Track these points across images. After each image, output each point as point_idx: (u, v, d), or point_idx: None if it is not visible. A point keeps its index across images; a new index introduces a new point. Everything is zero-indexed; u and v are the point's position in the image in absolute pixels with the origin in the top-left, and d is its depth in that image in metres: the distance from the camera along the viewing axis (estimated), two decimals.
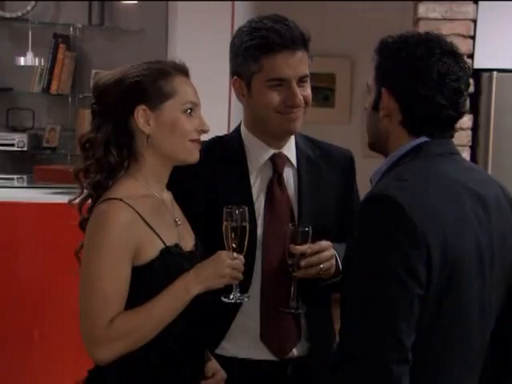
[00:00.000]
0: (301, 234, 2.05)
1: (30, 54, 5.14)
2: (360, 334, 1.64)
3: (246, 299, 1.99)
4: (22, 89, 5.48)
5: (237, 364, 2.14)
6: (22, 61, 5.14)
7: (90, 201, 1.96)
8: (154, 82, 1.92)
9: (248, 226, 1.95)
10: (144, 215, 1.88)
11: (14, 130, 5.38)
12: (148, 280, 1.87)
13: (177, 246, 1.93)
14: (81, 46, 5.56)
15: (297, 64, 2.07)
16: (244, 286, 2.09)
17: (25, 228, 3.78)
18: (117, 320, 1.83)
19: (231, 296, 1.97)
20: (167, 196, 2.03)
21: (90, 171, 1.94)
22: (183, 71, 1.98)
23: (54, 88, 5.51)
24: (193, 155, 1.96)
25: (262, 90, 2.08)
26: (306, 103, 2.11)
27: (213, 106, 4.22)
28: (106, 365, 1.87)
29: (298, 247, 2.04)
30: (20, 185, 4.82)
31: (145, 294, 1.87)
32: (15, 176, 4.92)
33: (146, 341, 1.86)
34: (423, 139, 1.79)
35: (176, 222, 2.00)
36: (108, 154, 1.92)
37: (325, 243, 2.06)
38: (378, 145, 1.88)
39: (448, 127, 1.81)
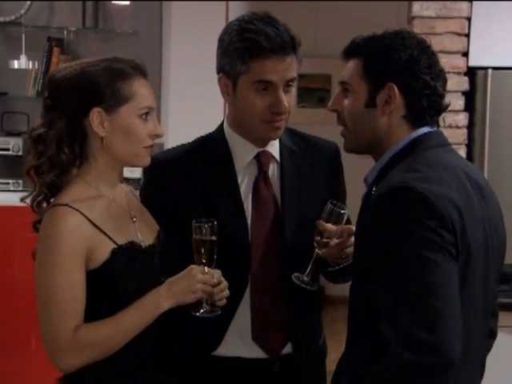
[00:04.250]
0: (336, 215, 2.04)
1: (23, 58, 5.11)
2: (413, 327, 1.60)
3: (216, 313, 1.97)
4: (16, 93, 5.45)
5: (227, 363, 2.14)
6: (15, 64, 5.12)
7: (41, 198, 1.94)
8: (112, 84, 1.89)
9: (217, 239, 1.94)
10: (92, 218, 1.87)
11: (9, 134, 5.35)
12: (104, 281, 1.86)
13: (132, 243, 1.91)
14: (75, 50, 5.54)
15: (285, 69, 2.06)
16: (242, 288, 2.09)
17: (21, 232, 3.77)
18: (83, 330, 1.82)
19: (201, 310, 1.95)
20: (121, 193, 2.01)
21: (41, 168, 1.91)
22: (142, 72, 1.95)
23: None
24: (144, 160, 1.96)
25: (248, 92, 2.07)
26: (289, 109, 2.10)
27: (207, 107, 4.24)
28: (70, 373, 1.86)
29: (331, 226, 2.03)
30: (15, 189, 4.82)
31: (104, 296, 1.86)
32: (11, 180, 4.92)
33: (112, 352, 1.85)
34: (422, 130, 1.82)
35: (132, 218, 1.98)
36: (60, 152, 1.89)
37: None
38: (367, 144, 1.87)
39: (438, 117, 1.86)
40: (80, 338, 1.82)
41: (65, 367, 1.85)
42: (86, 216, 1.86)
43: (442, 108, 1.85)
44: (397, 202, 1.67)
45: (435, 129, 1.85)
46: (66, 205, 1.86)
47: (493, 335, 1.95)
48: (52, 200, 1.93)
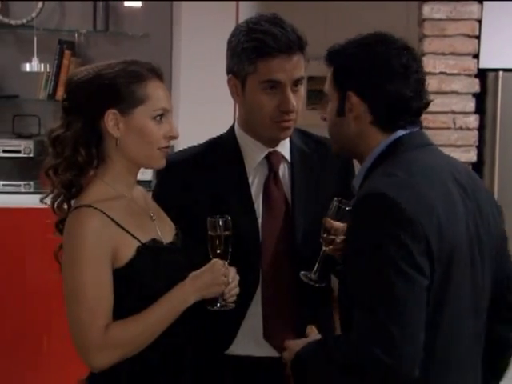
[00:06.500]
0: (342, 212, 2.05)
1: (35, 61, 5.13)
2: (370, 332, 1.64)
3: (231, 306, 1.99)
4: (27, 96, 5.48)
5: (240, 362, 2.16)
6: (27, 67, 5.14)
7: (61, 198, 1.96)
8: (128, 86, 1.91)
9: (231, 234, 1.97)
10: (115, 217, 1.89)
11: (20, 136, 5.38)
12: (131, 279, 1.89)
13: (154, 240, 1.94)
14: (86, 52, 5.56)
15: (292, 68, 2.08)
16: (253, 287, 2.10)
17: (32, 234, 3.79)
18: (113, 328, 1.84)
19: (218, 304, 1.97)
20: (138, 193, 2.04)
21: (59, 169, 1.94)
22: (158, 74, 1.97)
23: (59, 94, 5.50)
24: (159, 162, 1.98)
25: (256, 92, 2.09)
26: (297, 108, 2.11)
27: (218, 108, 4.25)
28: (100, 372, 1.87)
29: (337, 223, 2.04)
30: (27, 190, 4.84)
31: (130, 293, 1.88)
32: (22, 182, 4.94)
33: (141, 348, 1.88)
34: (399, 133, 1.82)
35: (151, 217, 2.00)
36: (77, 153, 1.92)
37: None
38: (347, 150, 1.92)
39: (417, 118, 1.85)
40: (111, 337, 1.84)
41: (97, 366, 1.87)
42: (109, 216, 1.89)
43: (413, 110, 1.83)
44: (370, 209, 1.69)
45: (414, 130, 1.84)
46: (90, 206, 1.88)
47: (506, 342, 1.93)
48: (72, 202, 1.96)
